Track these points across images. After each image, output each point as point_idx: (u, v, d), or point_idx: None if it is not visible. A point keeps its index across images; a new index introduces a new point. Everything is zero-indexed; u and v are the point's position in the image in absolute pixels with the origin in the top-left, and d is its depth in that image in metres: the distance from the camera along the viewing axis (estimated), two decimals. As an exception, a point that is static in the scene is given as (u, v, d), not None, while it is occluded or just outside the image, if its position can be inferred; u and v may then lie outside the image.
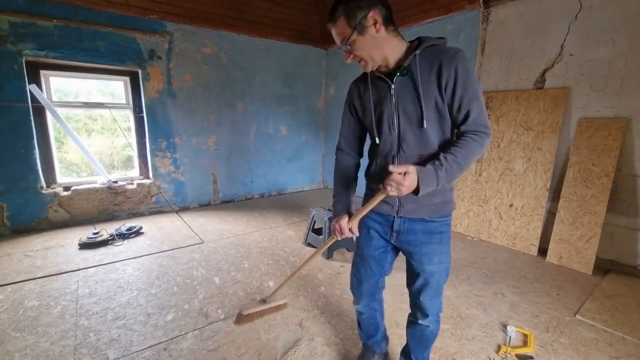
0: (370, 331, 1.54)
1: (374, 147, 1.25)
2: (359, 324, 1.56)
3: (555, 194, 2.93)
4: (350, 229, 1.25)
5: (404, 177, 0.98)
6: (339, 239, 1.29)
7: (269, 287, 2.37)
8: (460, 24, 3.54)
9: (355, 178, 1.37)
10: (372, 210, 1.22)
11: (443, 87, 1.04)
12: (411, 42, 1.12)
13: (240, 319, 1.59)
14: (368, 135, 1.30)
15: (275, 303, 1.64)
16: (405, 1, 3.78)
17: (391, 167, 1.00)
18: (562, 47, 2.83)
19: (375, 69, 1.12)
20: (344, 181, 1.35)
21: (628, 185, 2.58)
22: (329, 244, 1.35)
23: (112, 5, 3.43)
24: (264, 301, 1.64)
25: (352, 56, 1.09)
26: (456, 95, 1.03)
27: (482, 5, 3.29)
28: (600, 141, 2.63)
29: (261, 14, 4.39)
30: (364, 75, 1.21)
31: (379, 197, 1.08)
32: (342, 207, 1.29)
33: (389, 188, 1.00)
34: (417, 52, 1.06)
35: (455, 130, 1.13)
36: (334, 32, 1.07)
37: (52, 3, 3.18)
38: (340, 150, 1.37)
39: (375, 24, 1.02)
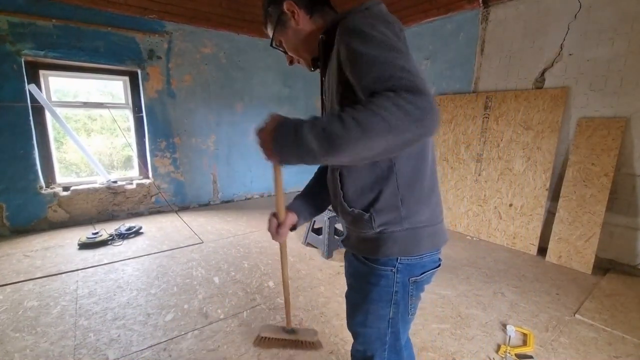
0: None
1: None
2: None
3: (554, 194, 2.93)
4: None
5: (264, 126, 0.70)
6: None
7: (269, 287, 2.37)
8: (459, 23, 3.55)
9: (321, 183, 1.08)
10: None
11: (344, 69, 0.73)
12: None
13: (257, 340, 1.30)
14: None
15: (304, 337, 1.27)
16: (405, 1, 3.78)
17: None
18: (561, 47, 2.83)
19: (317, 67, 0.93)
20: (313, 182, 1.13)
21: (627, 184, 2.58)
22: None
23: (111, 5, 3.42)
24: (292, 330, 1.28)
25: (290, 59, 0.95)
26: (353, 74, 0.70)
27: (481, 5, 3.29)
28: (599, 141, 2.64)
29: (261, 14, 4.37)
30: None
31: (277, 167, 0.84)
32: (292, 201, 1.06)
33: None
34: (321, 35, 0.82)
35: None
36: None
37: (51, 3, 3.17)
38: None
39: (293, 15, 0.85)
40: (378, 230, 0.82)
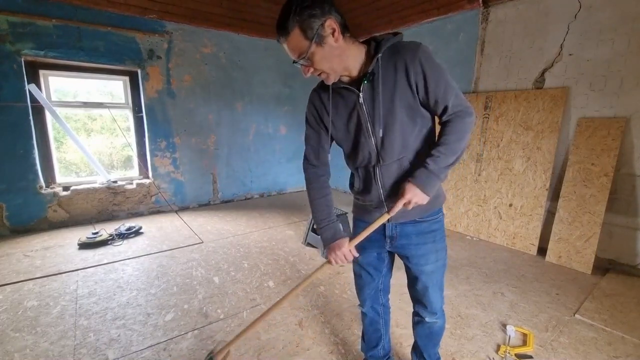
0: (372, 340, 1.50)
1: (351, 158, 1.21)
2: (362, 334, 1.54)
3: (554, 194, 2.93)
4: (351, 252, 1.18)
5: (409, 205, 1.05)
6: (341, 265, 1.18)
7: (269, 286, 2.37)
8: (459, 23, 3.54)
9: (331, 195, 1.31)
10: (363, 220, 1.25)
11: (413, 85, 1.01)
12: (367, 43, 1.07)
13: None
14: (337, 145, 1.27)
15: None
16: (405, 1, 3.78)
17: (391, 212, 1.07)
18: (561, 47, 2.83)
19: (337, 79, 1.06)
20: (325, 202, 1.25)
21: (627, 184, 2.58)
22: (316, 273, 1.22)
23: (111, 4, 3.42)
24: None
25: (311, 70, 1.01)
26: (430, 91, 1.01)
27: (481, 5, 3.29)
28: (599, 141, 2.63)
29: (261, 14, 4.38)
30: (324, 84, 1.12)
31: (383, 219, 1.10)
32: (335, 230, 1.20)
33: (397, 209, 1.07)
34: (379, 55, 1.01)
35: (437, 120, 1.14)
36: (287, 46, 0.97)
37: (51, 3, 3.17)
38: (312, 166, 1.30)
39: (333, 32, 0.95)
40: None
